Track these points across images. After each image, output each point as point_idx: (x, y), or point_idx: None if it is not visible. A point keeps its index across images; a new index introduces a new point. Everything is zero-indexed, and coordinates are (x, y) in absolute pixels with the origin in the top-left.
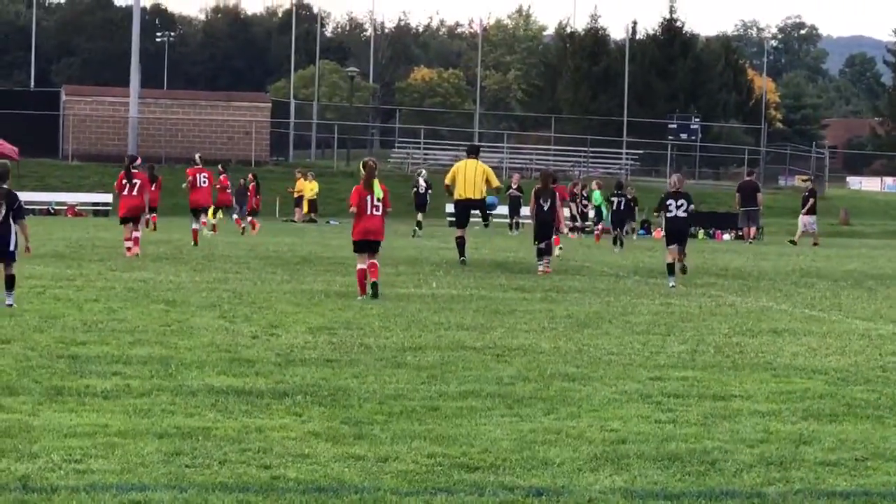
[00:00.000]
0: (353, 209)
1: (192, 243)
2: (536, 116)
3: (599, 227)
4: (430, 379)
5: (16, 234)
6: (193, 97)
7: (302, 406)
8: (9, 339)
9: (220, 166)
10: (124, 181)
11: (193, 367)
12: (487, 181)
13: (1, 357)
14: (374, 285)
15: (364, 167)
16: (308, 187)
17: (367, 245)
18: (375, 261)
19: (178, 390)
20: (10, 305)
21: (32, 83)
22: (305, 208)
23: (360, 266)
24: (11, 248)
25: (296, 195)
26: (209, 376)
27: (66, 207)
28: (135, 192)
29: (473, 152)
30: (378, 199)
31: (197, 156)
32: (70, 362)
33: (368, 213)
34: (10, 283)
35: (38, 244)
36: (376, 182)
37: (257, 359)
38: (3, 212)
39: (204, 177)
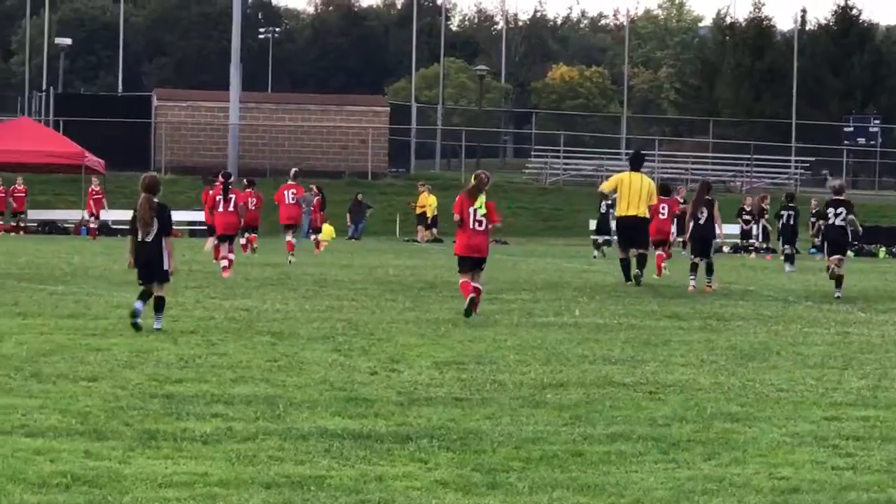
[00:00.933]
0: (458, 218)
1: (289, 257)
2: (692, 120)
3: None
4: (573, 420)
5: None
6: (301, 101)
7: (427, 451)
8: (96, 376)
9: (244, 181)
10: (218, 197)
11: (304, 408)
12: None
13: (88, 397)
14: (472, 302)
15: (474, 178)
16: (429, 202)
17: (470, 262)
18: (479, 285)
19: (286, 434)
20: (159, 329)
21: (120, 87)
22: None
23: (464, 280)
24: (165, 266)
25: (418, 211)
26: (322, 418)
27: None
28: (231, 208)
29: (637, 164)
30: (482, 214)
31: (293, 171)
32: (165, 402)
33: (471, 227)
34: (160, 305)
35: (126, 269)
36: (482, 196)
37: (376, 398)
38: (155, 228)
39: (292, 193)
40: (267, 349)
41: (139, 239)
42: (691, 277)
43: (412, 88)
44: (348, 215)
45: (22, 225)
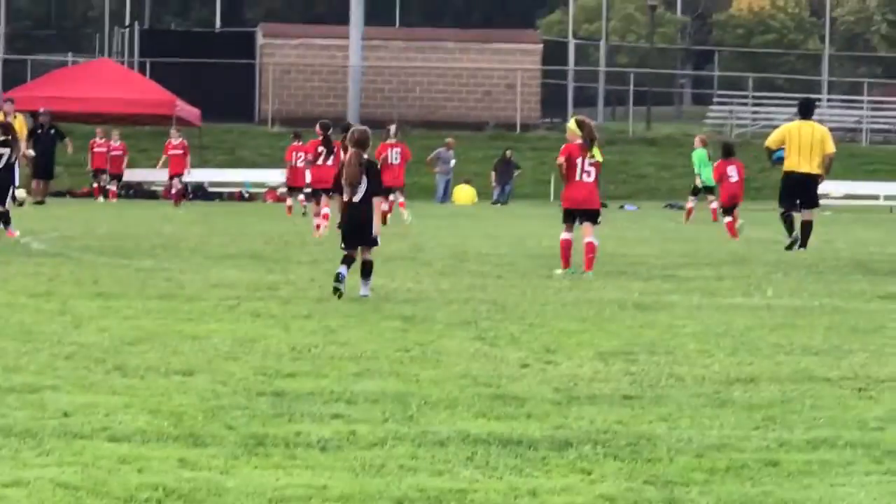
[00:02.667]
0: (561, 161)
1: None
2: None
3: (695, 202)
4: (766, 422)
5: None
6: (436, 38)
7: (590, 460)
8: (192, 369)
9: (292, 133)
10: (320, 148)
11: (441, 408)
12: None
13: (182, 394)
14: (587, 262)
15: (581, 127)
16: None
17: (576, 215)
18: (595, 240)
19: (420, 439)
20: (365, 296)
21: (218, 22)
22: None
23: (565, 236)
24: (374, 231)
25: None
26: (463, 419)
27: (264, 191)
28: (329, 163)
29: (807, 111)
30: (591, 164)
31: (392, 127)
32: (274, 401)
33: (578, 178)
34: (369, 270)
35: (228, 240)
36: (595, 147)
37: (528, 395)
38: (364, 188)
39: (397, 152)
40: (397, 337)
41: (345, 199)
42: None
43: (569, 21)
44: (493, 175)
45: (113, 189)
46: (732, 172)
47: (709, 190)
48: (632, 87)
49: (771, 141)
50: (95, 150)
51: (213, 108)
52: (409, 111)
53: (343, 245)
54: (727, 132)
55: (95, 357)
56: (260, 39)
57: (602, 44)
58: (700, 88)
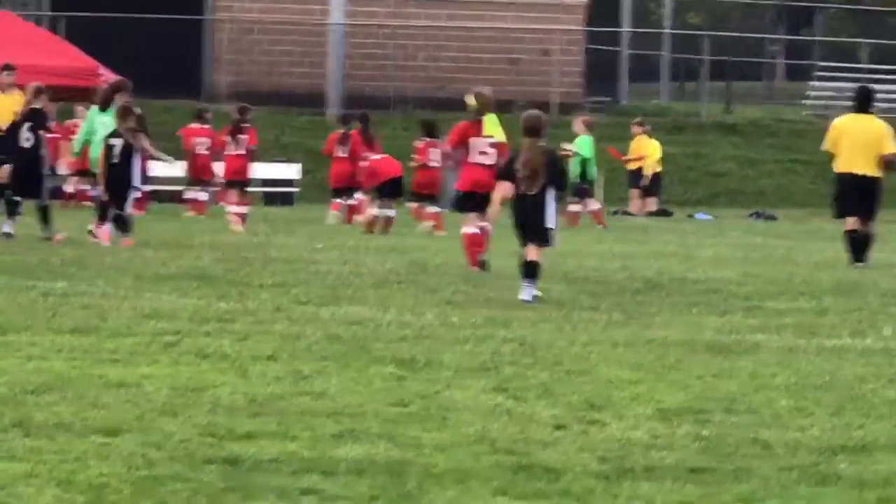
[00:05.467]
0: (449, 149)
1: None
2: None
3: (582, 203)
4: None
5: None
6: None
7: None
8: (117, 427)
9: (195, 111)
10: (227, 137)
11: (449, 482)
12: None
13: (103, 460)
14: (483, 263)
15: (478, 98)
16: (649, 152)
17: (476, 200)
18: (487, 224)
19: None
20: (527, 301)
21: None
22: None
23: (467, 230)
24: (549, 224)
25: (632, 165)
26: (479, 498)
27: (215, 189)
28: (242, 151)
29: (864, 104)
30: (489, 144)
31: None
32: (226, 471)
33: (473, 160)
34: (534, 271)
35: (167, 255)
36: (492, 120)
37: (565, 467)
38: (543, 180)
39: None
40: (390, 386)
41: (520, 191)
42: None
43: None
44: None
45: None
46: None
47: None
48: (707, 55)
49: (827, 144)
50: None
51: (148, 79)
52: (410, 85)
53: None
54: (833, 117)
55: None
56: None
57: None
58: (797, 59)
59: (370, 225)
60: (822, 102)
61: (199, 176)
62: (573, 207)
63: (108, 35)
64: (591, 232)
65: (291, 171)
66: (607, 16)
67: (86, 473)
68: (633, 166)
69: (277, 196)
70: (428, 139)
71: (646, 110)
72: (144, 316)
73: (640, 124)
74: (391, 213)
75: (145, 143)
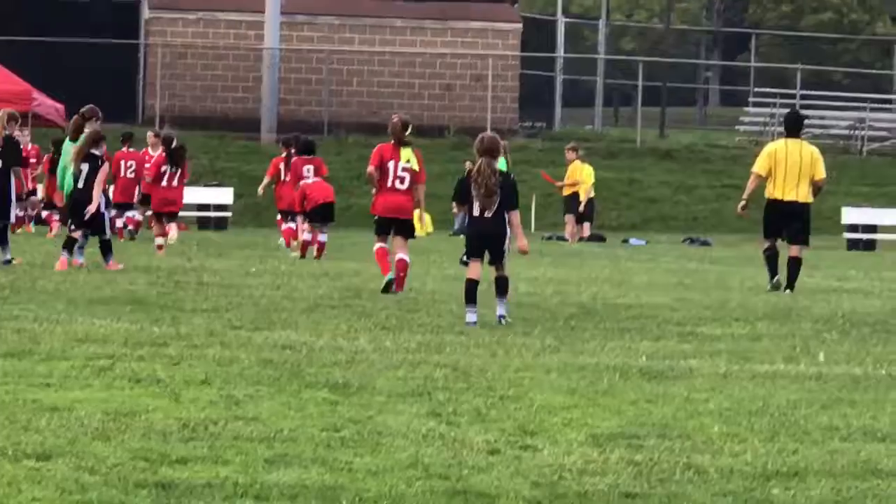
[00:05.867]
0: (371, 170)
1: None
2: None
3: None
4: None
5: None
6: (379, 13)
7: None
8: (49, 452)
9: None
10: (164, 167)
11: None
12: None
13: (36, 484)
14: (389, 283)
15: (392, 127)
16: (583, 177)
17: (389, 225)
18: (405, 256)
19: None
20: (502, 317)
21: None
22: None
23: (378, 245)
24: (504, 247)
25: (566, 191)
26: None
27: (149, 214)
28: (175, 183)
29: (794, 127)
30: (404, 169)
31: (303, 139)
32: (158, 495)
33: (390, 184)
34: (505, 286)
35: (100, 279)
36: (408, 149)
37: (499, 492)
38: (498, 200)
39: (310, 168)
40: (323, 411)
41: (475, 213)
42: None
43: None
44: (454, 198)
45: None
46: None
47: None
48: (640, 80)
49: (759, 166)
50: None
51: (82, 103)
52: (343, 110)
53: (465, 258)
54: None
55: None
56: (145, 12)
57: (601, 23)
58: (731, 84)
59: (302, 249)
60: (757, 128)
61: (125, 199)
62: None
63: (40, 58)
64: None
65: (225, 195)
66: (541, 41)
67: (18, 498)
68: (567, 192)
69: (211, 220)
70: (305, 156)
71: (580, 135)
72: (77, 340)
73: (574, 149)
74: (323, 237)
75: (102, 175)
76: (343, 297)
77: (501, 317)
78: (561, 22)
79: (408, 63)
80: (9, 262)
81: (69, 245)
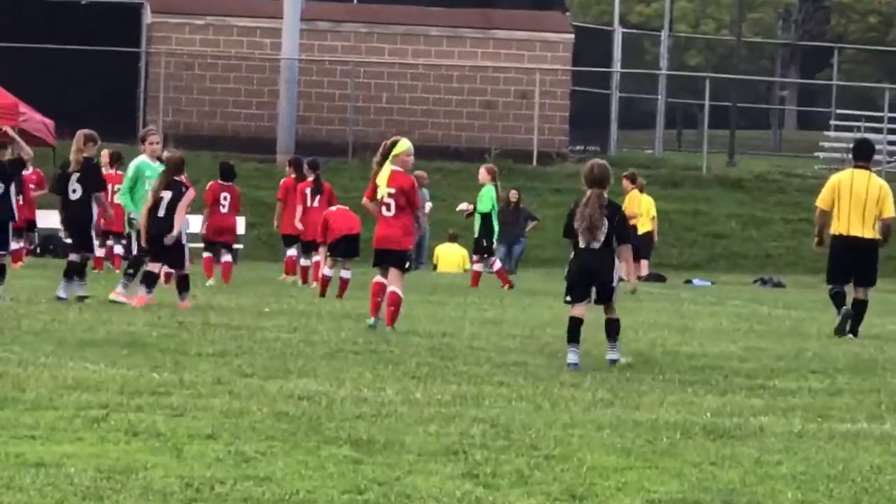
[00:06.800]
0: (365, 201)
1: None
2: None
3: (492, 262)
4: None
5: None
6: (413, 19)
7: None
8: None
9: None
10: (308, 190)
11: None
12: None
13: None
14: (371, 327)
15: (381, 148)
16: (642, 209)
17: (381, 257)
18: (398, 290)
19: None
20: (615, 361)
21: None
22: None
23: (376, 279)
24: (614, 282)
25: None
26: None
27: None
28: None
29: (863, 155)
30: (389, 194)
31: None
32: None
33: (381, 212)
34: (616, 329)
35: (94, 318)
36: (387, 169)
37: None
38: (605, 233)
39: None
40: (345, 471)
41: (580, 246)
42: None
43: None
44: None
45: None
46: None
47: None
48: (707, 100)
49: (822, 199)
50: None
51: (75, 119)
52: (370, 130)
53: (569, 298)
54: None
55: None
56: (148, 16)
57: (664, 35)
58: (810, 105)
59: (322, 286)
60: (838, 155)
61: (115, 228)
62: (475, 267)
63: (30, 68)
64: None
65: (241, 225)
66: (595, 54)
67: None
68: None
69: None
70: (223, 182)
71: (638, 161)
72: (67, 387)
73: (632, 178)
74: (346, 274)
75: (185, 202)
76: (368, 341)
77: (613, 361)
78: (618, 33)
79: (444, 77)
80: (84, 298)
81: (149, 280)
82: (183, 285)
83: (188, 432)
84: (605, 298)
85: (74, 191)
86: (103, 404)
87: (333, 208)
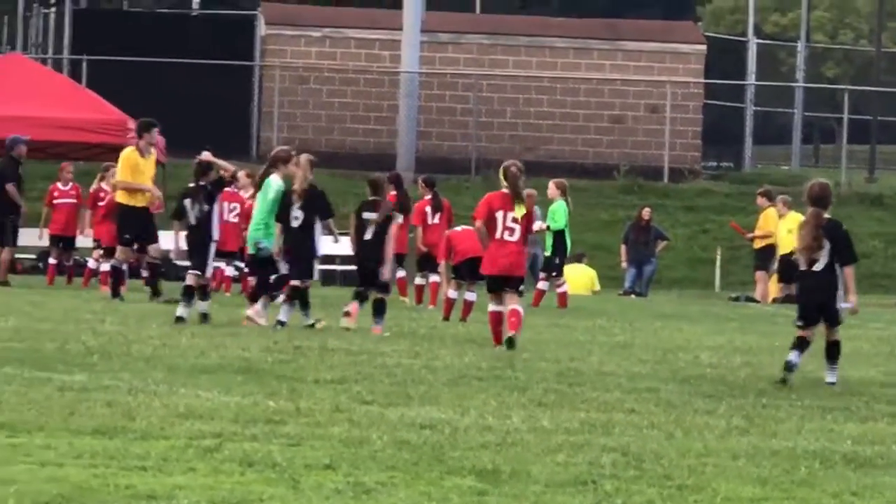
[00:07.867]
0: (479, 225)
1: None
2: None
3: (560, 282)
4: None
5: None
6: (537, 30)
7: None
8: None
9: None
10: (427, 209)
11: None
12: None
13: None
14: (510, 340)
15: (505, 174)
16: (783, 227)
17: (501, 283)
18: (518, 306)
19: None
20: (833, 384)
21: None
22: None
23: (492, 308)
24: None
25: (759, 244)
26: None
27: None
28: (436, 220)
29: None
30: (514, 220)
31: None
32: None
33: (499, 236)
34: (836, 351)
35: (206, 343)
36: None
37: None
38: (825, 256)
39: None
40: (469, 502)
41: (802, 268)
42: None
43: (749, 9)
44: (623, 249)
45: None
46: None
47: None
48: (846, 113)
49: None
50: (58, 200)
51: (186, 136)
52: (494, 146)
53: (800, 324)
54: None
55: None
56: (261, 28)
57: (800, 45)
58: None
59: (446, 310)
60: None
61: (231, 248)
62: (540, 285)
63: (136, 82)
64: (710, 321)
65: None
66: (729, 66)
67: None
68: (758, 244)
69: (337, 275)
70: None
71: (774, 178)
72: (179, 415)
73: (768, 195)
74: (471, 296)
75: (395, 231)
76: (492, 367)
77: (832, 384)
78: (752, 43)
79: (570, 90)
80: (312, 325)
81: (380, 309)
82: (380, 310)
83: (305, 462)
84: (831, 321)
85: (296, 218)
86: (216, 433)
87: (458, 228)
